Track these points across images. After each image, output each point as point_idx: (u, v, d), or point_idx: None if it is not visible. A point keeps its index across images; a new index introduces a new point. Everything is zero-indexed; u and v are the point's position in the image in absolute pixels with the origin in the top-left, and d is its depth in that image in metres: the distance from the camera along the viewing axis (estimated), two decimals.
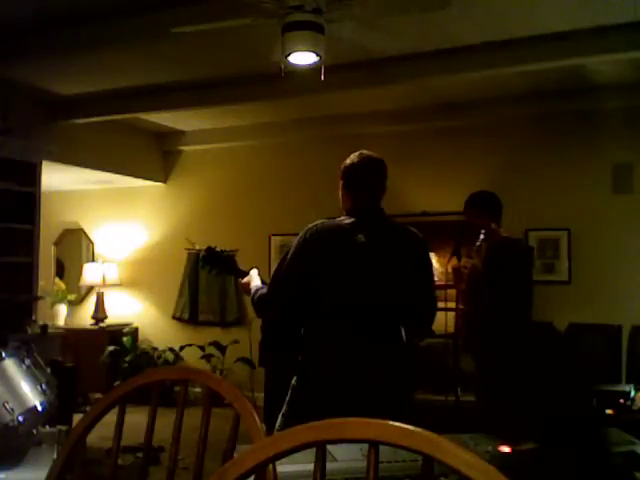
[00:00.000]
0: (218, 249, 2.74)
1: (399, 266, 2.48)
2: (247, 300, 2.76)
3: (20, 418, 2.43)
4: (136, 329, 7.57)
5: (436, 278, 5.64)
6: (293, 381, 2.42)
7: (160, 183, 7.69)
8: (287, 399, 2.40)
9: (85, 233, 8.06)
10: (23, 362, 2.66)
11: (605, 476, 1.45)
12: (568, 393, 1.48)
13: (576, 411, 1.46)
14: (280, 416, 2.38)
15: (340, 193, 2.57)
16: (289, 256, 2.41)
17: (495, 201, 3.82)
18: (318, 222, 2.45)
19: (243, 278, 2.67)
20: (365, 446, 0.87)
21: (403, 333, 2.47)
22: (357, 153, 2.57)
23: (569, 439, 1.42)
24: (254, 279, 2.60)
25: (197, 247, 2.53)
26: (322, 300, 2.39)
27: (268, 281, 2.50)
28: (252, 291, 2.54)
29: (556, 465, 1.40)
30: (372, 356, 2.35)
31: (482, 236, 3.68)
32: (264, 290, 2.48)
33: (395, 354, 2.43)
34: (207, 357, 6.75)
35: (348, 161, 2.56)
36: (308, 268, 2.39)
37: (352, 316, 2.37)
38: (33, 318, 5.47)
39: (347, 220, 2.46)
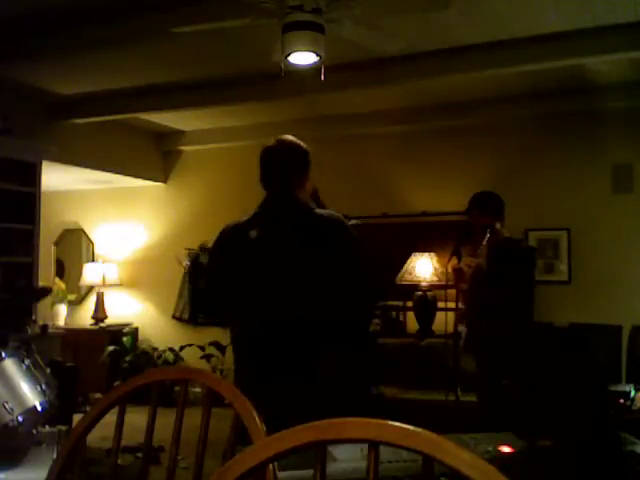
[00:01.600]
0: (202, 260, 2.78)
1: (301, 260, 2.29)
2: None
3: (20, 418, 2.43)
4: (136, 329, 7.56)
5: (435, 278, 5.68)
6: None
7: (160, 183, 7.69)
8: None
9: (85, 233, 8.06)
10: (23, 362, 2.66)
11: (615, 475, 1.45)
12: (583, 393, 1.49)
13: (590, 411, 1.46)
14: None
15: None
16: (207, 262, 2.49)
17: (498, 201, 3.83)
18: (227, 223, 2.46)
19: None
20: (365, 446, 0.87)
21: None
22: (273, 139, 2.43)
23: (584, 437, 1.42)
24: None
25: (184, 262, 2.50)
26: (231, 301, 2.41)
27: None
28: None
29: (570, 462, 1.40)
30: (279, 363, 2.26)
31: (488, 235, 3.68)
32: None
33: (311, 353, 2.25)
34: (207, 357, 6.75)
35: (263, 147, 2.43)
36: (217, 273, 2.43)
37: (261, 318, 2.30)
38: (33, 318, 5.46)
39: (246, 217, 2.41)
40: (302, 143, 2.44)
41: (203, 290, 2.54)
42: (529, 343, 3.48)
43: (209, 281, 2.45)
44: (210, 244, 2.70)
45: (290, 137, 2.44)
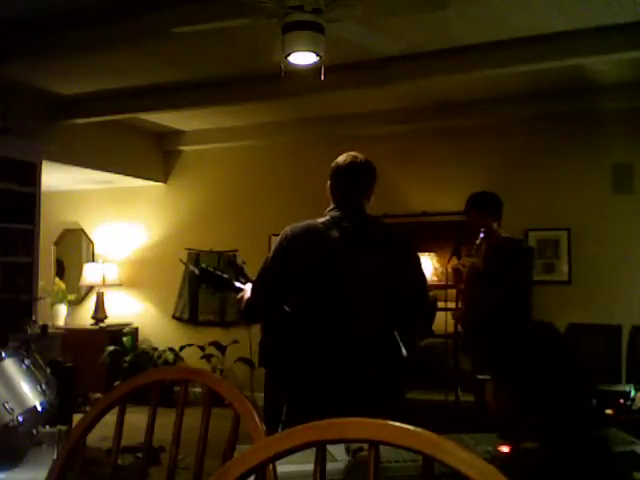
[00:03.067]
0: (211, 268, 2.74)
1: (377, 263, 2.43)
2: None
3: (20, 418, 2.43)
4: (136, 329, 7.56)
5: (435, 278, 5.68)
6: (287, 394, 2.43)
7: (160, 183, 7.69)
8: (285, 410, 2.39)
9: (85, 233, 8.06)
10: (23, 362, 2.66)
11: (606, 476, 1.45)
12: (567, 392, 1.48)
13: (576, 411, 1.46)
14: (280, 425, 2.37)
15: (328, 193, 2.58)
16: (269, 262, 2.44)
17: (496, 201, 3.83)
18: (292, 225, 2.46)
19: (238, 294, 2.66)
20: (365, 446, 0.87)
21: (397, 335, 2.43)
22: (348, 154, 2.57)
23: (569, 439, 1.42)
24: (247, 293, 2.59)
25: (190, 267, 2.50)
26: (302, 302, 2.40)
27: None
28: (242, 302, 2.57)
29: (556, 464, 1.40)
30: (350, 363, 2.32)
31: (482, 235, 3.68)
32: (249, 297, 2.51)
33: (376, 359, 2.38)
34: (207, 357, 6.75)
35: (339, 161, 2.57)
36: (287, 271, 2.40)
37: (330, 316, 2.35)
38: (33, 318, 5.46)
39: (322, 219, 2.46)
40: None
41: (260, 285, 2.50)
42: (525, 343, 3.48)
43: (273, 275, 2.42)
44: (211, 267, 2.74)
45: (360, 154, 2.60)
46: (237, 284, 2.68)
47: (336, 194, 2.54)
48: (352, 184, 2.54)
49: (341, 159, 2.56)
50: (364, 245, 2.44)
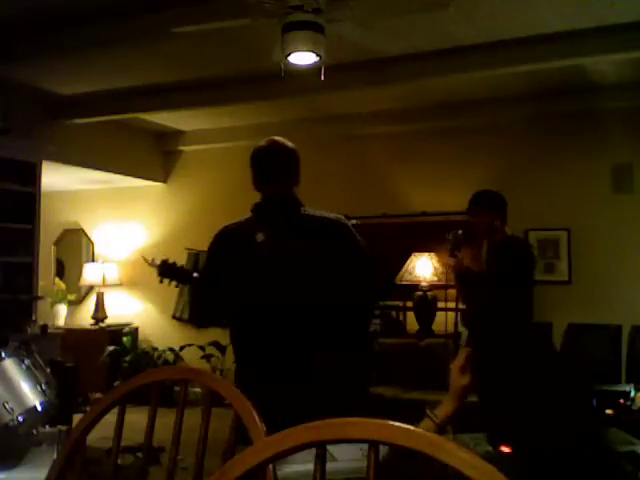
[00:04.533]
0: (170, 261, 2.73)
1: (305, 261, 2.32)
2: None
3: (20, 418, 2.43)
4: (136, 329, 7.56)
5: (435, 278, 5.68)
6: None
7: (160, 183, 7.69)
8: None
9: (85, 233, 8.06)
10: (23, 362, 2.66)
11: (607, 477, 1.45)
12: (566, 394, 1.48)
13: (575, 412, 1.46)
14: None
15: (252, 180, 2.50)
16: (203, 265, 2.47)
17: (500, 200, 3.81)
18: (226, 225, 2.44)
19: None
20: (365, 446, 0.87)
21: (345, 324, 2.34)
22: (268, 139, 2.47)
23: (568, 440, 1.42)
24: None
25: (156, 262, 2.53)
26: (234, 303, 2.38)
27: None
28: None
29: (555, 466, 1.40)
30: (284, 369, 2.27)
31: (460, 231, 3.68)
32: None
33: (309, 363, 2.28)
34: (207, 357, 6.75)
35: (255, 148, 2.48)
36: (216, 276, 2.40)
37: (262, 320, 2.31)
38: (33, 318, 5.46)
39: (249, 217, 2.42)
40: (291, 143, 2.47)
41: (198, 290, 2.47)
42: (525, 344, 3.47)
43: (210, 281, 2.43)
44: (171, 260, 2.72)
45: (280, 138, 2.48)
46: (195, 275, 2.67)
47: (260, 185, 2.44)
48: (273, 172, 2.42)
49: (260, 144, 2.46)
50: (290, 244, 2.33)
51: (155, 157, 7.60)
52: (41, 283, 5.93)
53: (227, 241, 2.42)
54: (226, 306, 2.41)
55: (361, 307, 2.47)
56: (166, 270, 2.68)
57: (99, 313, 7.43)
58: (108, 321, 7.43)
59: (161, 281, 2.70)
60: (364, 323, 2.57)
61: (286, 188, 2.42)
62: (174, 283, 2.67)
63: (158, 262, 2.65)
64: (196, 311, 2.51)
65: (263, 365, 2.31)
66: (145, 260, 2.68)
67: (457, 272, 3.76)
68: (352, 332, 2.39)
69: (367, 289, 2.42)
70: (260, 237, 2.33)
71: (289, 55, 3.56)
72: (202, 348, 6.80)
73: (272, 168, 2.43)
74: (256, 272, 2.34)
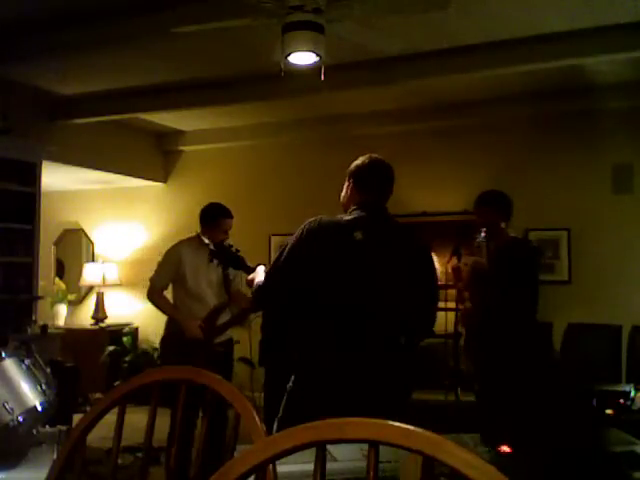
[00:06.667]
0: (226, 244, 2.78)
1: (397, 267, 2.46)
2: None
3: (20, 418, 2.43)
4: (136, 329, 7.56)
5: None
6: (290, 383, 2.41)
7: (160, 183, 7.69)
8: (283, 403, 2.38)
9: (85, 233, 8.06)
10: (23, 362, 2.66)
11: (605, 476, 1.45)
12: (567, 395, 1.48)
13: (576, 412, 1.46)
14: (276, 420, 2.36)
15: (347, 193, 2.59)
16: (287, 249, 2.41)
17: (505, 200, 3.79)
18: (318, 217, 2.44)
19: (249, 274, 2.68)
20: (365, 446, 0.87)
21: (402, 337, 2.45)
22: (368, 155, 2.66)
23: (568, 439, 1.42)
24: (259, 275, 2.59)
25: (206, 241, 2.78)
26: (317, 298, 2.38)
27: None
28: (254, 286, 2.56)
29: (555, 465, 1.40)
30: (363, 362, 2.33)
31: (483, 234, 3.65)
32: (261, 281, 2.49)
33: (389, 360, 2.40)
34: None
35: (359, 162, 2.64)
36: (304, 263, 2.38)
37: (346, 316, 2.35)
38: (33, 318, 5.46)
39: (347, 217, 2.46)
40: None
41: (275, 270, 2.48)
42: (529, 344, 3.47)
43: (289, 264, 2.39)
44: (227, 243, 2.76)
45: (376, 155, 2.72)
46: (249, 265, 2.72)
47: (361, 194, 2.57)
48: (376, 184, 2.60)
49: (361, 160, 2.64)
50: (386, 249, 2.46)
51: (155, 157, 7.60)
52: (41, 283, 5.92)
53: (324, 232, 2.42)
54: (305, 302, 2.42)
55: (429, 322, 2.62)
56: (219, 252, 2.73)
57: (99, 313, 7.43)
58: (108, 321, 7.43)
59: (211, 260, 2.80)
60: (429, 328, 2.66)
61: (383, 200, 2.63)
62: (221, 265, 2.74)
63: (212, 245, 2.76)
64: (265, 294, 2.49)
65: (336, 362, 2.32)
66: (205, 245, 2.85)
67: (476, 270, 3.72)
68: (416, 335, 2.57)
69: (434, 310, 2.61)
70: (358, 235, 2.40)
71: (289, 55, 3.56)
72: None
73: (388, 182, 2.66)
74: (352, 269, 2.39)
